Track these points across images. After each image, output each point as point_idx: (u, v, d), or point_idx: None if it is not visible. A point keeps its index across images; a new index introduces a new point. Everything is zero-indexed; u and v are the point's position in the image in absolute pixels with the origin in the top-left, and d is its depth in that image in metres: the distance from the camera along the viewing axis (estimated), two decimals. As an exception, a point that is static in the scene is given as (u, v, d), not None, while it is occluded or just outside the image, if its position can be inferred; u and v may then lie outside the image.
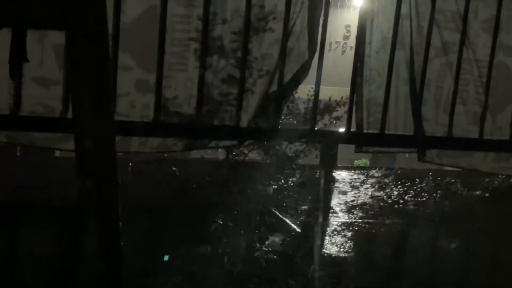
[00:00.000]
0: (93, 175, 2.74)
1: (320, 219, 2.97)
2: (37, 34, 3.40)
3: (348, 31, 13.87)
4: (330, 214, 3.07)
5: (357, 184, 3.66)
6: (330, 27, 4.05)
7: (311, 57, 3.81)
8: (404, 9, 3.95)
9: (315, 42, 3.79)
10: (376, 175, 3.95)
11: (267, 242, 2.59)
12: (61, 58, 3.43)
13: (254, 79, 3.73)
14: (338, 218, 3.05)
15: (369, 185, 3.65)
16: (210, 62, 3.64)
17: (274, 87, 3.76)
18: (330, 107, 6.30)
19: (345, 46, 14.02)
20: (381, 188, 3.67)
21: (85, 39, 2.63)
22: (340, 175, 3.85)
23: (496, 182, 4.13)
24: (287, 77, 3.79)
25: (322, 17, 3.80)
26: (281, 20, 3.71)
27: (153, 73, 3.56)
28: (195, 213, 2.97)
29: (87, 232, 2.86)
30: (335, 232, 2.98)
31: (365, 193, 3.44)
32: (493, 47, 4.13)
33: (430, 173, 4.26)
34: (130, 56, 3.52)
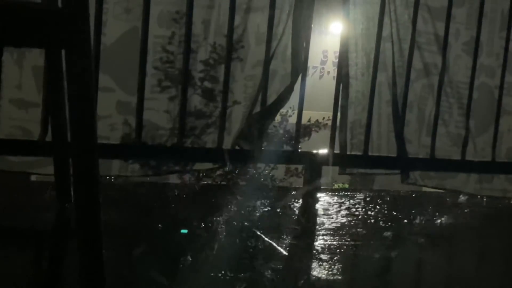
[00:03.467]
0: (75, 199, 2.66)
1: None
2: (15, 56, 3.35)
3: (325, 56, 14.00)
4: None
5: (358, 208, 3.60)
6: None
7: (294, 79, 3.79)
8: (386, 31, 3.95)
9: (298, 64, 3.77)
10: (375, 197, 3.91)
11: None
12: (40, 80, 3.37)
13: (233, 101, 3.70)
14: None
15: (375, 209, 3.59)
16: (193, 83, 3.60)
17: (257, 109, 3.73)
18: (308, 129, 6.29)
19: (322, 71, 14.16)
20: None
21: (67, 58, 2.57)
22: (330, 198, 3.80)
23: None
24: (271, 99, 3.76)
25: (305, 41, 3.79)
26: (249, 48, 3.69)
27: (135, 95, 3.51)
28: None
29: (67, 258, 2.76)
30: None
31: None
32: (474, 69, 4.15)
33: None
34: (111, 77, 3.46)
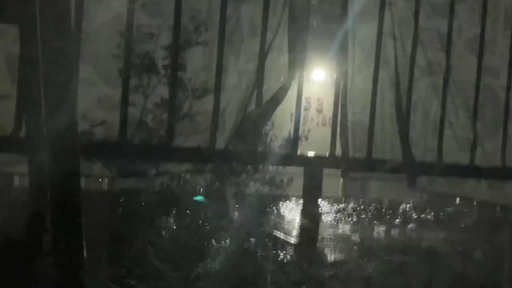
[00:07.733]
0: (51, 199, 2.38)
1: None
2: (-13, 44, 3.04)
3: (309, 103, 13.93)
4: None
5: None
6: (291, 99, 3.79)
7: (291, 76, 3.51)
8: (387, 26, 3.70)
9: (296, 58, 3.49)
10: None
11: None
12: (14, 70, 3.05)
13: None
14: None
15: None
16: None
17: (252, 107, 3.45)
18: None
19: (306, 118, 14.15)
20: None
21: (45, 40, 2.30)
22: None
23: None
24: (266, 96, 3.48)
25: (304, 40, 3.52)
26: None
27: (118, 89, 3.20)
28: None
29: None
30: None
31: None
32: (479, 69, 3.91)
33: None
34: (92, 69, 3.16)
